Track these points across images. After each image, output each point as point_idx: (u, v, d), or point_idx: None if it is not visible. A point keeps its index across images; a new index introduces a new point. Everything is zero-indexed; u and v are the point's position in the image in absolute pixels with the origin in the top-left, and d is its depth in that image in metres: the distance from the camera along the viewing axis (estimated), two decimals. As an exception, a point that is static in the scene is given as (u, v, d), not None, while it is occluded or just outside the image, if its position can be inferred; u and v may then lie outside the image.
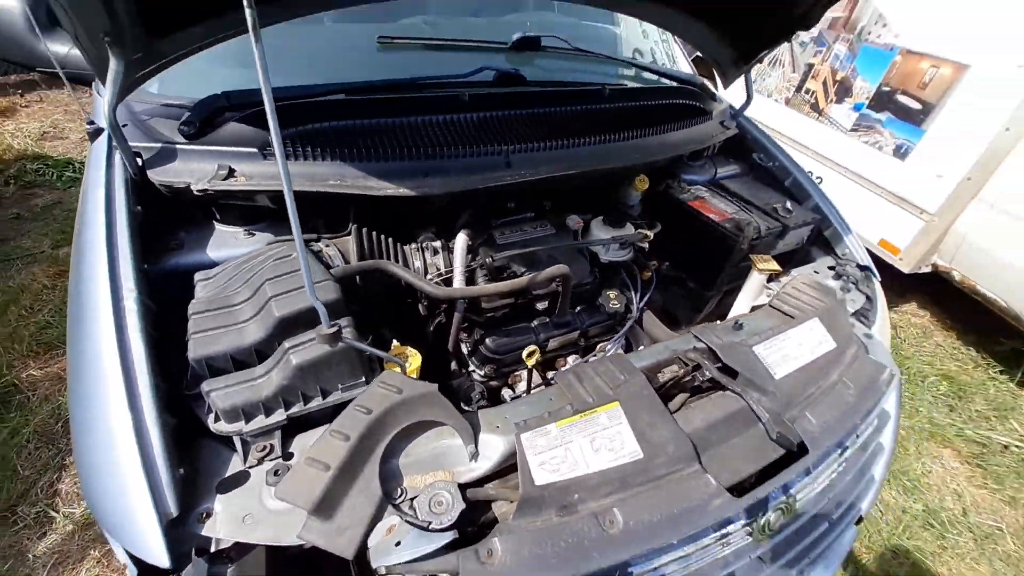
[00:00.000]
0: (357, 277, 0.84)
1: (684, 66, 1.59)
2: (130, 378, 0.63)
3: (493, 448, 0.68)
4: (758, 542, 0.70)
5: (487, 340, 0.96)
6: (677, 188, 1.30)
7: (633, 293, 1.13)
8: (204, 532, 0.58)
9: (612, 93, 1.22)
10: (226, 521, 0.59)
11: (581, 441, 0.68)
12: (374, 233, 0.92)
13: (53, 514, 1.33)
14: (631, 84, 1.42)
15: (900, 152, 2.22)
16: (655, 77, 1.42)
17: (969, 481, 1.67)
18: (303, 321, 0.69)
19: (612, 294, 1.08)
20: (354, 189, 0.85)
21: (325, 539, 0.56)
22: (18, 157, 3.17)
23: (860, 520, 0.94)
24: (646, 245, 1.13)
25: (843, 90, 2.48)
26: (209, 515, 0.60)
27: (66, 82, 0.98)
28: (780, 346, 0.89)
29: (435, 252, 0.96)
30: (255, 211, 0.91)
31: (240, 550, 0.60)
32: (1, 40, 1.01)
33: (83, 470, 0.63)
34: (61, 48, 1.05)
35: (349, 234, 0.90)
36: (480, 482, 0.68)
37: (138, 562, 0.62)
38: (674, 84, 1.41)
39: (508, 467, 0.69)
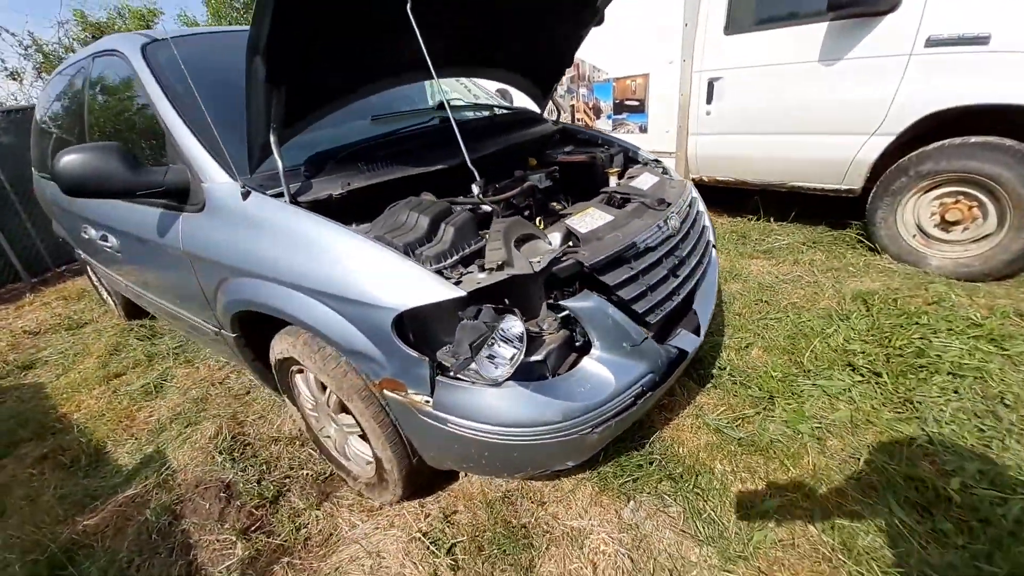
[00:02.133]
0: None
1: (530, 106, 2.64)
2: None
3: (555, 236, 1.37)
4: (673, 233, 1.50)
5: None
6: (551, 157, 2.21)
7: (564, 201, 1.95)
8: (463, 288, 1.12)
9: (498, 118, 2.13)
10: (467, 285, 1.14)
11: (587, 219, 1.42)
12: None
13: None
14: (504, 113, 2.36)
15: (643, 129, 3.66)
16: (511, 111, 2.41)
17: (767, 266, 2.83)
18: (438, 221, 1.30)
19: (554, 203, 1.89)
20: (408, 172, 1.51)
21: (517, 270, 1.17)
22: None
23: (714, 245, 1.84)
24: (557, 176, 1.98)
25: (597, 111, 3.94)
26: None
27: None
28: (640, 180, 1.78)
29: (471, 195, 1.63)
30: (358, 210, 1.45)
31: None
32: (105, 181, 1.38)
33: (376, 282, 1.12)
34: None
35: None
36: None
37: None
38: (525, 113, 2.40)
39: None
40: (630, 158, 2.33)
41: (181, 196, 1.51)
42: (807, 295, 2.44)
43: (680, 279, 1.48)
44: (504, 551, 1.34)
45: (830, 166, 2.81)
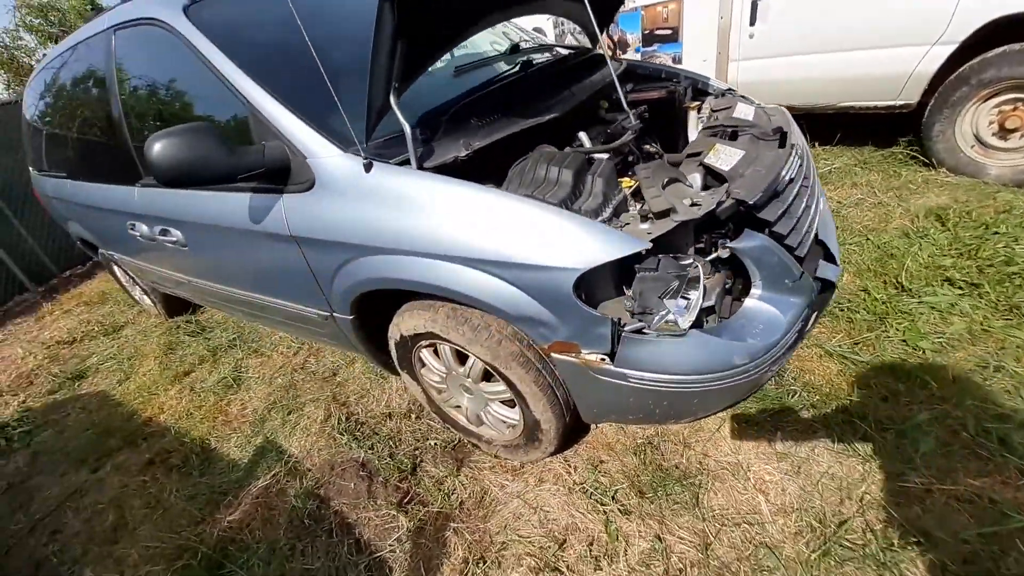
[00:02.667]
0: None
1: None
2: None
3: (695, 177, 1.32)
4: (799, 162, 1.45)
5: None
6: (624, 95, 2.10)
7: (652, 142, 1.88)
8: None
9: (573, 60, 1.99)
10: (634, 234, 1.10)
11: (722, 156, 1.35)
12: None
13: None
14: (576, 55, 2.22)
15: (677, 60, 3.48)
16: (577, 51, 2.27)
17: (827, 191, 2.80)
18: (581, 173, 1.24)
19: (647, 145, 1.81)
20: (523, 125, 1.42)
21: (683, 216, 1.12)
22: None
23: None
24: (646, 116, 1.89)
25: (624, 44, 3.72)
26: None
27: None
28: (740, 111, 1.70)
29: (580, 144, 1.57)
30: (474, 173, 1.37)
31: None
32: (206, 166, 1.26)
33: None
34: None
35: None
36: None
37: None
38: (588, 51, 2.25)
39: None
40: (699, 89, 2.23)
41: (279, 176, 1.40)
42: (877, 216, 2.44)
43: (813, 209, 1.45)
44: (667, 492, 1.38)
45: (887, 82, 2.73)
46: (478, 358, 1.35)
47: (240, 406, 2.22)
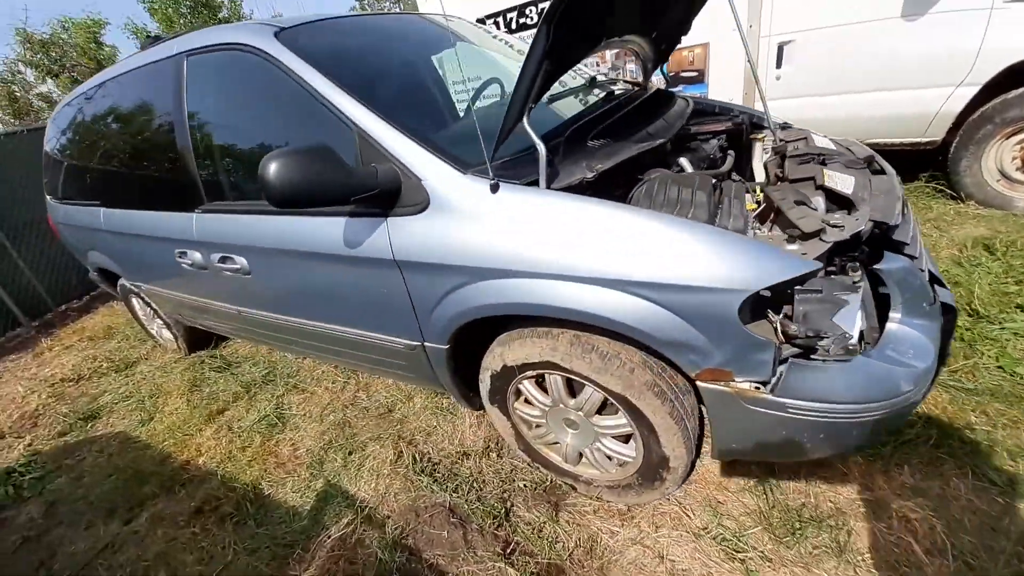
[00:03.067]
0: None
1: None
2: None
3: (819, 200, 1.31)
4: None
5: None
6: (687, 130, 2.15)
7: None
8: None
9: (656, 94, 2.06)
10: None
11: (838, 179, 1.36)
12: None
13: None
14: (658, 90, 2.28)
15: (702, 100, 3.64)
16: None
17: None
18: (711, 195, 1.23)
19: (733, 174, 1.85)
20: (639, 149, 1.42)
21: (832, 237, 1.10)
22: None
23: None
24: (725, 146, 1.93)
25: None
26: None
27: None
28: (820, 140, 1.75)
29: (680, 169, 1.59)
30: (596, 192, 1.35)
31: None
32: (324, 187, 1.20)
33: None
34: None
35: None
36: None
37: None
38: (657, 89, 2.32)
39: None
40: (754, 123, 2.30)
41: (386, 199, 1.34)
42: (925, 247, 2.50)
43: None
44: (805, 535, 1.29)
45: (914, 120, 2.87)
46: (604, 389, 1.28)
47: (291, 447, 2.05)
